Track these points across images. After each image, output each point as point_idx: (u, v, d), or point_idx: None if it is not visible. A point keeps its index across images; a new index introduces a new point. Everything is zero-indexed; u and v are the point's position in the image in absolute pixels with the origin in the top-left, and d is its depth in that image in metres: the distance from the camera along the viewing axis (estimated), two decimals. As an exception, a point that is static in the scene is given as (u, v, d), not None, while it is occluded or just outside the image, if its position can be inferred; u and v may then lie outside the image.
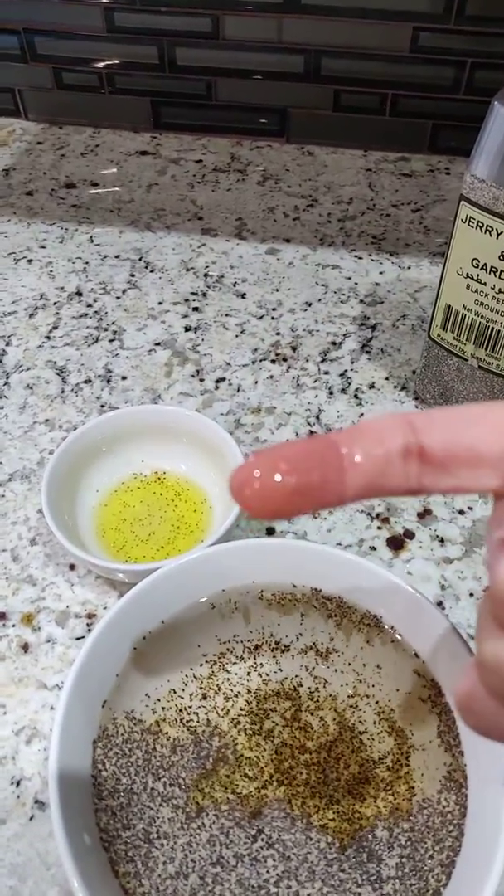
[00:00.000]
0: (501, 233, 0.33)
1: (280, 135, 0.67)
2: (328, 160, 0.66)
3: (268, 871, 0.24)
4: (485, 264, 0.35)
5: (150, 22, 0.61)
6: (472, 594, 0.36)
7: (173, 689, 0.30)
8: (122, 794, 0.25)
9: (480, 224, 0.34)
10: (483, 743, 0.26)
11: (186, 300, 0.52)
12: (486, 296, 0.36)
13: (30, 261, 0.55)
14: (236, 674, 0.30)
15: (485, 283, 0.36)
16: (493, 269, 0.35)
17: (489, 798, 0.24)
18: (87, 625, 0.35)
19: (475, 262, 0.35)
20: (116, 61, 0.65)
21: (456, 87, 0.61)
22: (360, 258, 0.55)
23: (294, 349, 0.48)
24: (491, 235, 0.34)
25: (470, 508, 0.39)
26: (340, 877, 0.24)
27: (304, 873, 0.24)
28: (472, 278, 0.36)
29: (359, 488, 0.18)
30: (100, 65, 0.65)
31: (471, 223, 0.34)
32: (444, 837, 0.24)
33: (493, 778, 0.25)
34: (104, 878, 0.23)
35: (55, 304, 0.52)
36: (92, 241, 0.57)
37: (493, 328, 0.37)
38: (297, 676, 0.30)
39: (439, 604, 0.36)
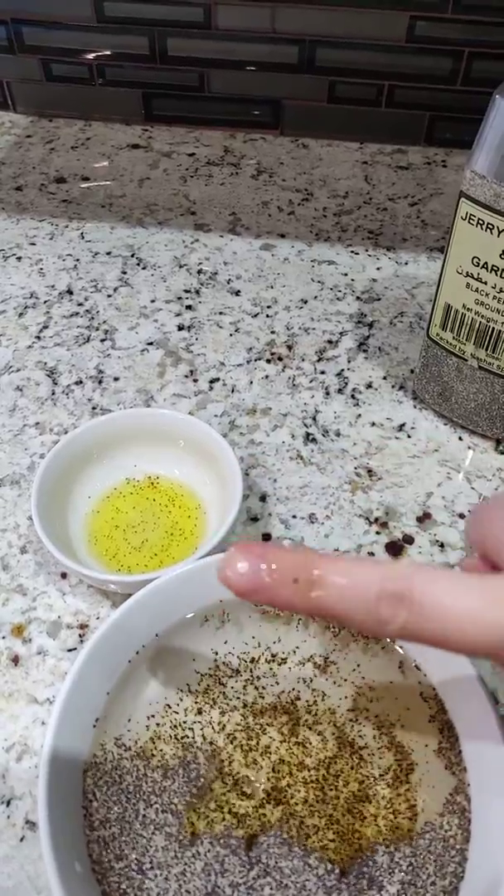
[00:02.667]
0: (503, 231, 0.32)
1: (274, 127, 0.66)
2: (323, 153, 0.64)
3: None
4: (485, 263, 0.34)
5: (140, 11, 0.60)
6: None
7: (168, 705, 0.29)
8: (113, 823, 0.25)
9: (481, 222, 0.33)
10: (487, 764, 0.25)
11: (179, 298, 0.51)
12: (487, 295, 0.35)
13: (19, 258, 0.54)
14: (232, 687, 0.30)
15: (485, 282, 0.35)
16: (494, 268, 0.34)
17: (493, 822, 0.24)
18: (80, 636, 0.34)
19: (475, 260, 0.34)
20: (107, 52, 0.63)
21: (453, 78, 0.59)
22: (357, 253, 0.54)
23: (290, 348, 0.47)
24: (492, 233, 0.33)
25: (471, 512, 0.38)
26: None
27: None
28: (473, 277, 0.35)
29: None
30: (90, 56, 0.64)
31: (471, 220, 0.33)
32: (447, 863, 0.24)
33: (498, 802, 0.24)
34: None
35: (45, 302, 0.51)
36: (83, 237, 0.56)
37: (493, 328, 0.36)
38: (294, 689, 0.30)
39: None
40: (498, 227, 0.32)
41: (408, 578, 0.19)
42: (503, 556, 0.21)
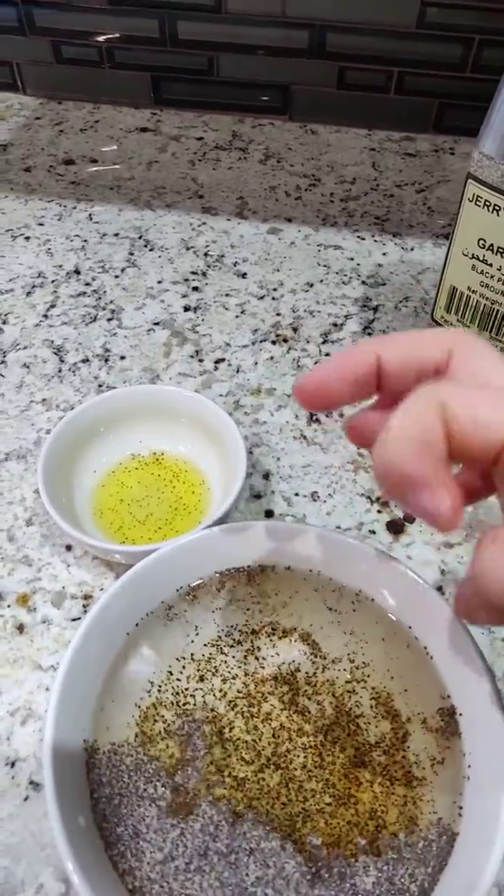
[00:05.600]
0: (509, 212, 0.33)
1: (283, 112, 0.66)
2: (332, 139, 0.65)
3: (247, 875, 0.24)
4: (491, 245, 0.34)
5: (151, -6, 0.60)
6: (471, 579, 0.36)
7: (170, 672, 0.29)
8: (115, 783, 0.25)
9: (488, 203, 0.33)
10: (482, 732, 0.26)
11: (186, 279, 0.51)
12: (492, 277, 0.35)
13: (27, 238, 0.54)
14: (234, 657, 0.30)
15: (491, 265, 0.35)
16: (500, 250, 0.34)
17: (487, 788, 0.24)
18: (84, 606, 0.34)
19: (481, 242, 0.35)
20: (117, 35, 0.64)
21: (463, 66, 0.59)
22: (363, 239, 0.55)
23: (295, 330, 0.48)
24: (499, 215, 0.33)
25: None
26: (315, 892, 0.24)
27: (281, 882, 0.24)
28: (478, 259, 0.35)
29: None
30: (100, 38, 0.64)
31: (478, 202, 0.34)
32: (430, 858, 0.24)
33: (492, 769, 0.24)
34: (98, 861, 0.23)
35: (53, 282, 0.51)
36: (91, 218, 0.56)
37: (497, 311, 0.36)
38: (294, 661, 0.30)
39: (439, 589, 0.35)
40: (504, 209, 0.33)
41: None
42: None
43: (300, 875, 0.24)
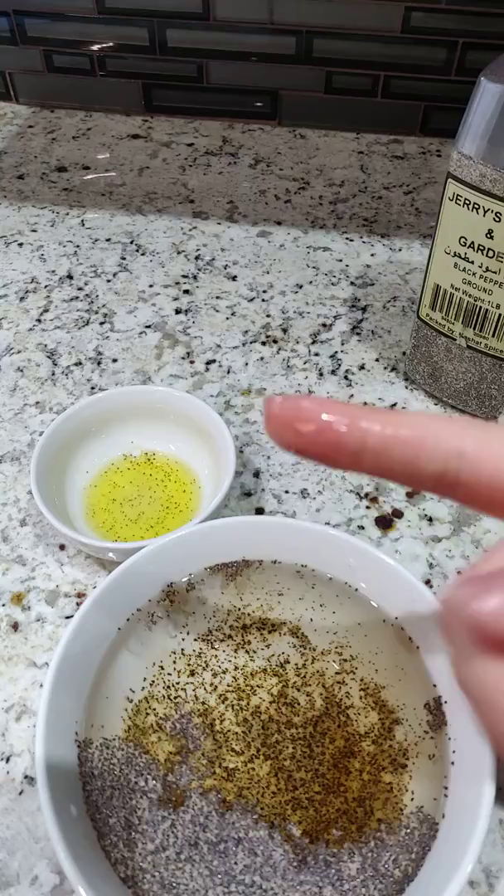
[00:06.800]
0: (488, 210, 0.33)
1: (272, 117, 0.67)
2: (320, 143, 0.65)
3: (235, 863, 0.25)
4: (472, 242, 0.35)
5: (140, 3, 0.61)
6: (459, 573, 0.36)
7: (161, 667, 0.30)
8: (107, 775, 0.26)
9: (467, 202, 0.34)
10: (466, 720, 0.26)
11: (177, 283, 0.52)
12: (474, 274, 0.36)
13: (21, 244, 0.55)
14: (224, 651, 0.31)
15: (472, 262, 0.36)
16: (481, 247, 0.35)
17: (469, 776, 0.24)
18: (77, 604, 0.35)
19: (462, 240, 0.35)
20: (108, 44, 0.64)
21: (447, 69, 0.60)
22: (352, 240, 0.55)
23: (284, 331, 0.48)
24: (478, 213, 0.34)
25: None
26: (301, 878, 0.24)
27: (268, 869, 0.24)
28: (460, 257, 0.36)
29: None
30: (91, 47, 0.65)
31: (458, 201, 0.34)
32: (414, 844, 0.25)
33: (475, 755, 0.25)
34: (90, 850, 0.23)
35: (46, 287, 0.52)
36: (83, 224, 0.57)
37: (480, 307, 0.37)
38: (283, 653, 0.31)
39: (427, 582, 0.36)
40: (484, 207, 0.33)
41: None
42: None
43: (287, 862, 0.25)
